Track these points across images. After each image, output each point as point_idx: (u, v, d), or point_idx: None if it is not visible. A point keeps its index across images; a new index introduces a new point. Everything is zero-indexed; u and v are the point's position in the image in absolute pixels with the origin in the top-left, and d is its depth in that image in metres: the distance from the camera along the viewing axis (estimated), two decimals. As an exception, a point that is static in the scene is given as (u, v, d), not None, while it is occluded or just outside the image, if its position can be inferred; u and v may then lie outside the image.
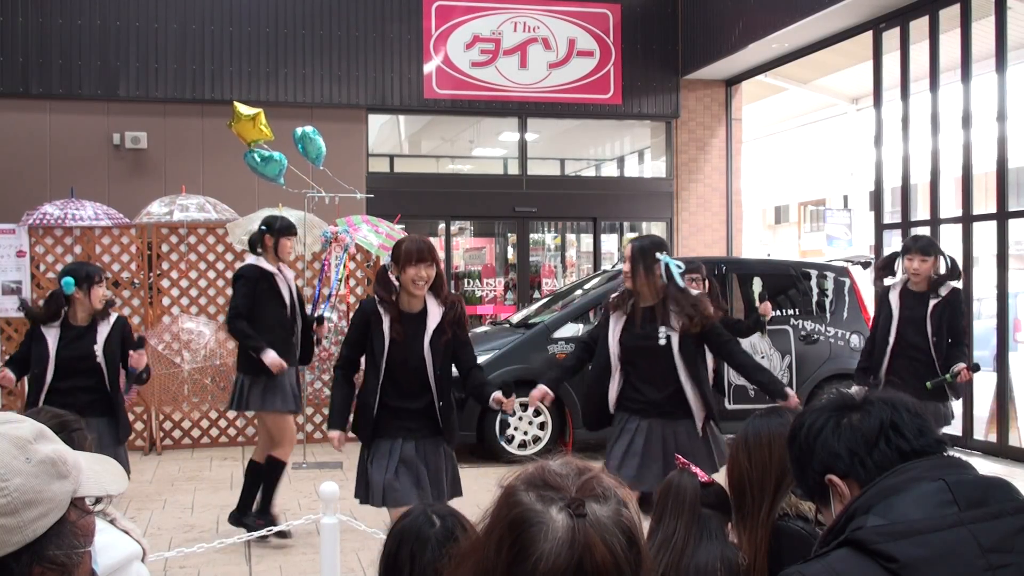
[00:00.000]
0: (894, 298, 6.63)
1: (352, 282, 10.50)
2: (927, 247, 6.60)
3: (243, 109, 8.73)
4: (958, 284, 6.91)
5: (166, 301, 10.05)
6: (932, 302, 6.50)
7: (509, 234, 15.28)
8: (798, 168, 24.33)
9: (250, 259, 6.80)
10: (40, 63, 13.16)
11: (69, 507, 1.45)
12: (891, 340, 6.57)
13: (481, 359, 9.48)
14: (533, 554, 1.42)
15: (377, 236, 9.29)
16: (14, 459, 1.42)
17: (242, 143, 8.86)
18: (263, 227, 6.74)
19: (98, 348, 5.63)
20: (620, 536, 1.45)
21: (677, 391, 5.18)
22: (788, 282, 10.37)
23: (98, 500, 1.54)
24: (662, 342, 5.13)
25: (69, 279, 5.69)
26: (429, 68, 14.29)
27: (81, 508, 1.48)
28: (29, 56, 13.14)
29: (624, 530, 1.46)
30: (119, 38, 13.38)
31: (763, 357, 9.74)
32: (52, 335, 5.66)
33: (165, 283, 10.25)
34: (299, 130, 9.03)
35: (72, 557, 1.45)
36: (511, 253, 15.25)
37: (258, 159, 8.85)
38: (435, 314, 4.86)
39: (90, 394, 5.63)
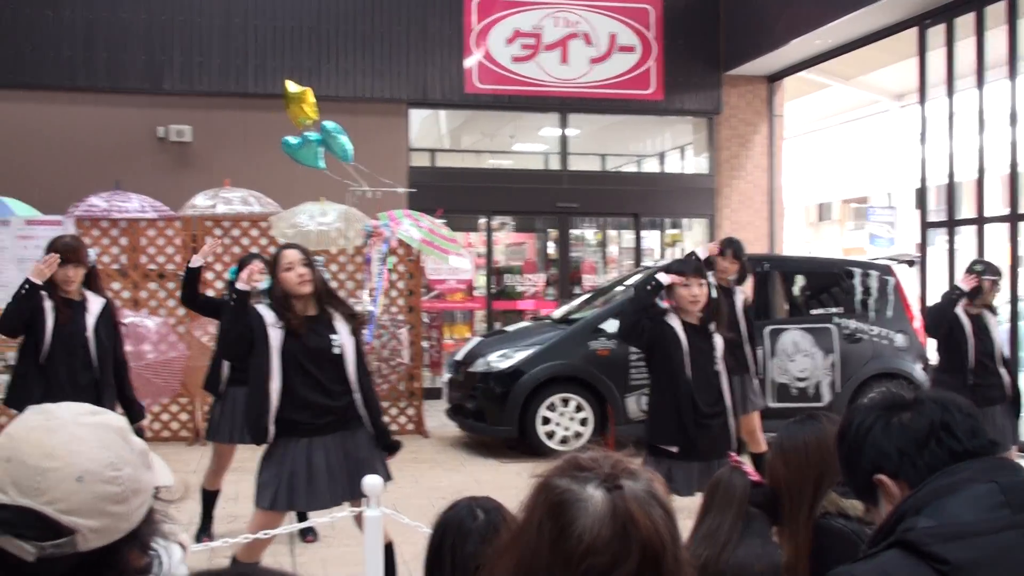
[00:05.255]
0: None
1: (393, 276, 10.56)
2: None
3: (291, 87, 8.81)
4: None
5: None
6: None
7: (550, 230, 15.24)
8: (841, 165, 24.10)
9: None
10: (86, 57, 13.31)
11: None
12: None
13: (522, 355, 9.64)
14: (576, 531, 1.44)
15: (419, 230, 9.33)
16: (121, 448, 1.49)
17: (285, 133, 8.93)
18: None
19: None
20: (658, 507, 1.47)
21: None
22: (831, 280, 10.30)
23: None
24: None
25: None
26: (470, 63, 14.30)
27: (157, 497, 1.55)
28: (76, 50, 13.29)
29: (660, 502, 1.48)
30: (164, 32, 13.50)
31: (806, 355, 9.69)
32: None
33: (209, 275, 10.35)
34: (324, 125, 9.04)
35: (152, 546, 1.52)
36: (552, 249, 15.21)
37: (293, 144, 8.91)
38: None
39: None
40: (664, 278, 5.52)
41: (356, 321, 5.01)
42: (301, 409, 4.81)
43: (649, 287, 5.51)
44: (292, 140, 8.97)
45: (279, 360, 4.79)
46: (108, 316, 5.83)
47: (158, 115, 13.46)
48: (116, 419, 1.53)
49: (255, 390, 4.86)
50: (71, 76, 13.28)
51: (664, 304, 5.51)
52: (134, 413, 5.90)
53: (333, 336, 4.88)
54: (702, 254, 6.95)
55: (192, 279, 6.71)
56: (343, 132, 9.08)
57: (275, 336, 4.81)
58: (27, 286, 5.59)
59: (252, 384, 4.93)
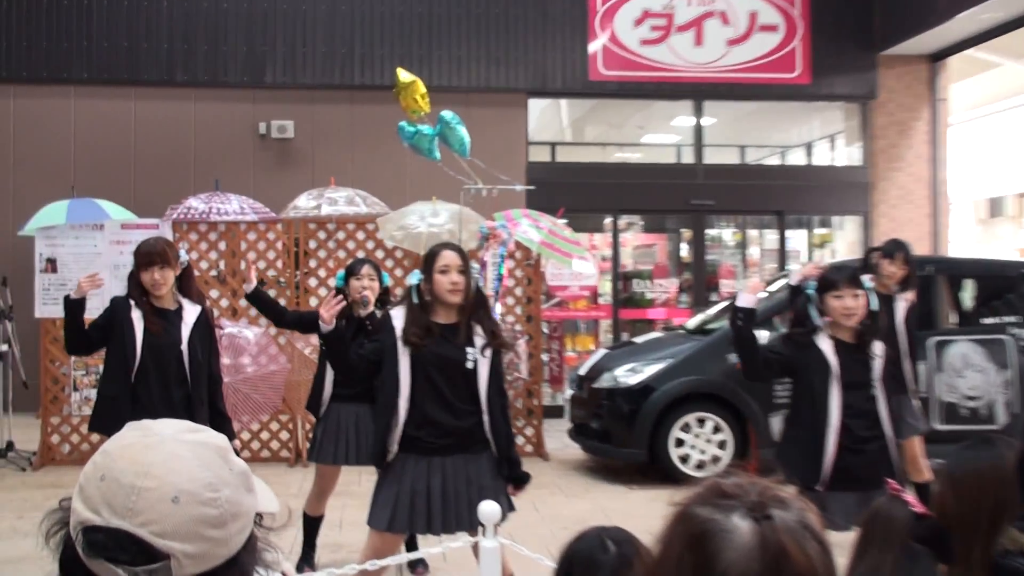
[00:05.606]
0: None
1: (511, 282, 10.57)
2: None
3: (403, 75, 8.91)
4: None
5: (313, 301, 10.27)
6: None
7: (683, 230, 15.13)
8: (1016, 154, 23.35)
9: None
10: (185, 50, 13.72)
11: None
12: None
13: (652, 369, 9.58)
14: (720, 565, 1.39)
15: (538, 232, 9.32)
16: (221, 468, 1.51)
17: (394, 127, 9.03)
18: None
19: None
20: (812, 540, 1.42)
21: None
22: (1006, 284, 9.96)
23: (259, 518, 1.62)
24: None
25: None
26: (594, 47, 14.29)
27: (259, 524, 1.57)
28: (174, 43, 13.71)
29: (815, 535, 1.43)
30: (265, 22, 13.84)
31: (977, 371, 9.38)
32: None
33: (312, 281, 10.53)
34: (442, 115, 9.12)
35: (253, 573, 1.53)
36: (685, 251, 15.11)
37: (409, 131, 8.99)
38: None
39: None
40: (746, 299, 5.36)
41: (498, 340, 4.99)
42: (423, 425, 4.82)
43: (739, 321, 5.36)
44: (408, 126, 9.05)
45: (408, 369, 4.84)
46: (204, 325, 5.85)
47: (259, 110, 13.79)
48: (217, 437, 1.55)
49: (385, 408, 4.89)
50: (169, 71, 13.70)
51: (818, 319, 5.35)
52: (225, 431, 5.79)
53: (469, 349, 4.88)
54: (794, 280, 6.56)
55: (258, 302, 6.92)
56: (462, 123, 9.13)
57: (403, 343, 4.86)
58: (64, 304, 5.78)
59: (381, 401, 4.96)
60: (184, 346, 5.71)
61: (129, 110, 13.66)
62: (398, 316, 4.93)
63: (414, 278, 4.96)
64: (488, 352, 4.91)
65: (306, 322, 6.93)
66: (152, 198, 12.54)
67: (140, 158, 13.53)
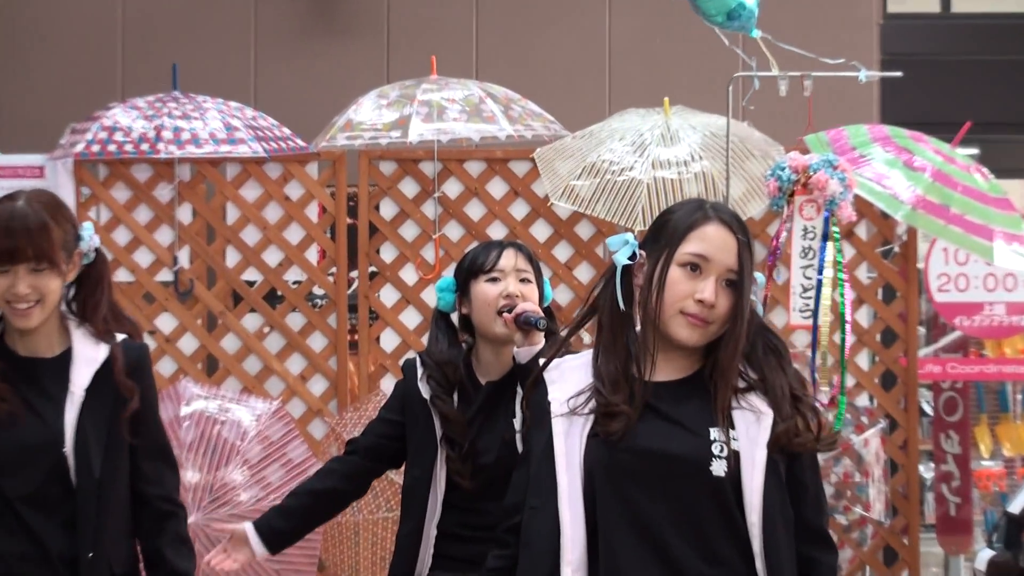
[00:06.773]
0: None
1: (850, 294, 10.33)
2: None
3: None
4: None
5: (390, 341, 10.33)
6: None
7: None
8: None
9: None
10: None
11: None
12: None
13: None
14: None
15: (912, 178, 9.34)
16: None
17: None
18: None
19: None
20: None
21: None
22: None
23: None
24: None
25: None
26: None
27: None
28: None
29: None
30: None
31: None
32: None
33: (387, 295, 10.57)
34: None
35: None
36: None
37: None
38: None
39: None
40: None
41: (802, 426, 4.79)
42: None
43: None
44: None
45: (579, 487, 4.81)
46: (113, 392, 5.81)
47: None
48: None
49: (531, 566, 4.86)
50: None
51: None
52: None
53: (715, 431, 4.73)
54: None
55: (294, 537, 7.18)
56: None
57: (569, 436, 4.80)
58: None
59: (525, 561, 4.91)
60: (69, 447, 5.72)
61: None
62: (561, 377, 4.90)
63: (623, 255, 4.79)
64: (771, 440, 4.74)
65: (386, 449, 7.05)
66: (35, 105, 12.72)
67: (10, 27, 13.75)
